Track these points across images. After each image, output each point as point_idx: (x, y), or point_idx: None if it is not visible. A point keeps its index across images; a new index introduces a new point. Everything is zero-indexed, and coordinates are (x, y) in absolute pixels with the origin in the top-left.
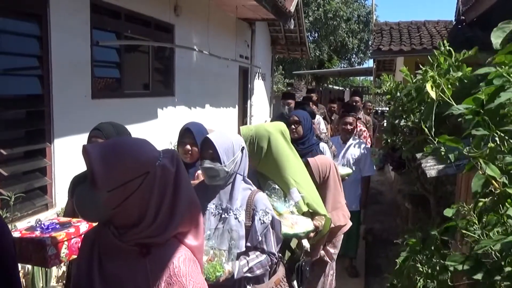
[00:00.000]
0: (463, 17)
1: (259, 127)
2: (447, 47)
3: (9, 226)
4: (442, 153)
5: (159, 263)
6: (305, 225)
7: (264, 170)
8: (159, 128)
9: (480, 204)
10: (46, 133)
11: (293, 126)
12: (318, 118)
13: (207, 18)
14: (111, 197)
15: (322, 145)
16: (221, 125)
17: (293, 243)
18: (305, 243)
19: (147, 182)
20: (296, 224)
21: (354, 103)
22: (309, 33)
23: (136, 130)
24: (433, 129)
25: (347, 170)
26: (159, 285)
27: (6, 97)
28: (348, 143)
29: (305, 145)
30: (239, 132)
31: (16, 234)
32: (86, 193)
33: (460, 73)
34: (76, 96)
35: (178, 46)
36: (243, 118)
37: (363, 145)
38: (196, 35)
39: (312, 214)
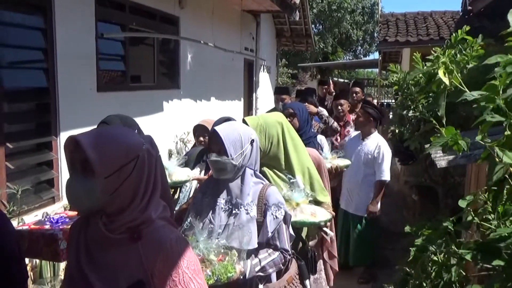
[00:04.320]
0: (470, 7)
1: (265, 117)
2: (464, 35)
3: (17, 219)
4: (451, 143)
5: (151, 246)
6: (325, 213)
7: (270, 160)
8: (165, 121)
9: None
10: (52, 126)
11: (288, 119)
12: (321, 111)
13: (212, 10)
14: (109, 183)
15: (320, 137)
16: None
17: (303, 234)
18: (328, 231)
19: (138, 165)
20: (316, 212)
21: (354, 94)
22: (313, 25)
23: (142, 123)
24: (445, 118)
25: (345, 162)
26: (154, 267)
27: (12, 90)
28: (366, 140)
29: (302, 138)
30: (244, 123)
31: (25, 229)
32: (82, 182)
33: (474, 55)
34: (81, 89)
35: (183, 38)
36: (248, 111)
37: (381, 144)
38: (201, 28)
39: (314, 202)
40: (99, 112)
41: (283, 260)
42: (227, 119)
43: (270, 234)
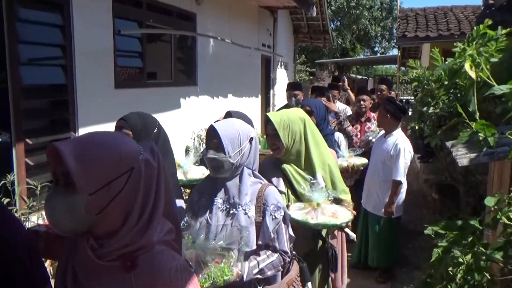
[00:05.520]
0: (492, 1)
1: (288, 113)
2: (486, 29)
3: (36, 215)
4: (480, 138)
5: (146, 276)
6: (346, 214)
7: (292, 157)
8: (182, 118)
9: None
10: (70, 123)
11: None
12: (345, 109)
13: (228, 6)
14: (94, 200)
15: (338, 135)
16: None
17: (323, 232)
18: (350, 232)
19: (132, 179)
20: (337, 213)
21: (380, 92)
22: (331, 22)
23: (159, 120)
24: (478, 113)
25: (362, 160)
26: None
27: (31, 87)
28: (388, 138)
29: None
30: (267, 120)
31: (42, 228)
32: (62, 198)
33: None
34: (99, 85)
35: (200, 35)
36: (265, 107)
37: (398, 142)
38: (218, 24)
39: (335, 200)
40: (116, 109)
41: (282, 262)
42: (229, 114)
43: (271, 235)
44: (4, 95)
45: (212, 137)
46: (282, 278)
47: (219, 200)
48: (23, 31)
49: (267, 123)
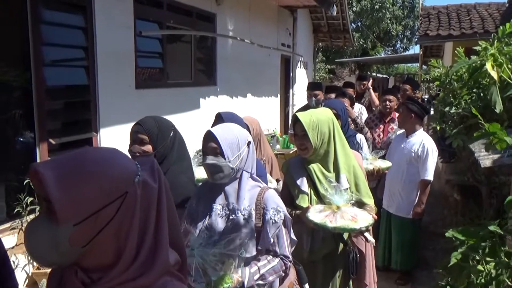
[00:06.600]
0: None
1: (317, 113)
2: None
3: None
4: (492, 139)
5: None
6: (366, 218)
7: (319, 157)
8: (202, 118)
9: None
10: (92, 123)
11: None
12: (360, 108)
13: (248, 6)
14: (80, 231)
15: (360, 136)
16: (263, 114)
17: (345, 235)
18: (369, 237)
19: (125, 206)
20: (357, 217)
21: (403, 92)
22: (353, 23)
23: (179, 120)
24: (505, 114)
25: (386, 163)
26: None
27: (54, 87)
28: (410, 137)
29: None
30: (295, 120)
31: None
32: (44, 229)
33: None
34: (120, 86)
35: (220, 35)
36: (285, 107)
37: (425, 142)
38: (238, 24)
39: (358, 203)
40: (137, 109)
41: (284, 267)
42: (220, 116)
43: (271, 240)
44: (28, 95)
45: (210, 141)
46: (281, 283)
47: (218, 206)
48: (47, 33)
49: (295, 123)
